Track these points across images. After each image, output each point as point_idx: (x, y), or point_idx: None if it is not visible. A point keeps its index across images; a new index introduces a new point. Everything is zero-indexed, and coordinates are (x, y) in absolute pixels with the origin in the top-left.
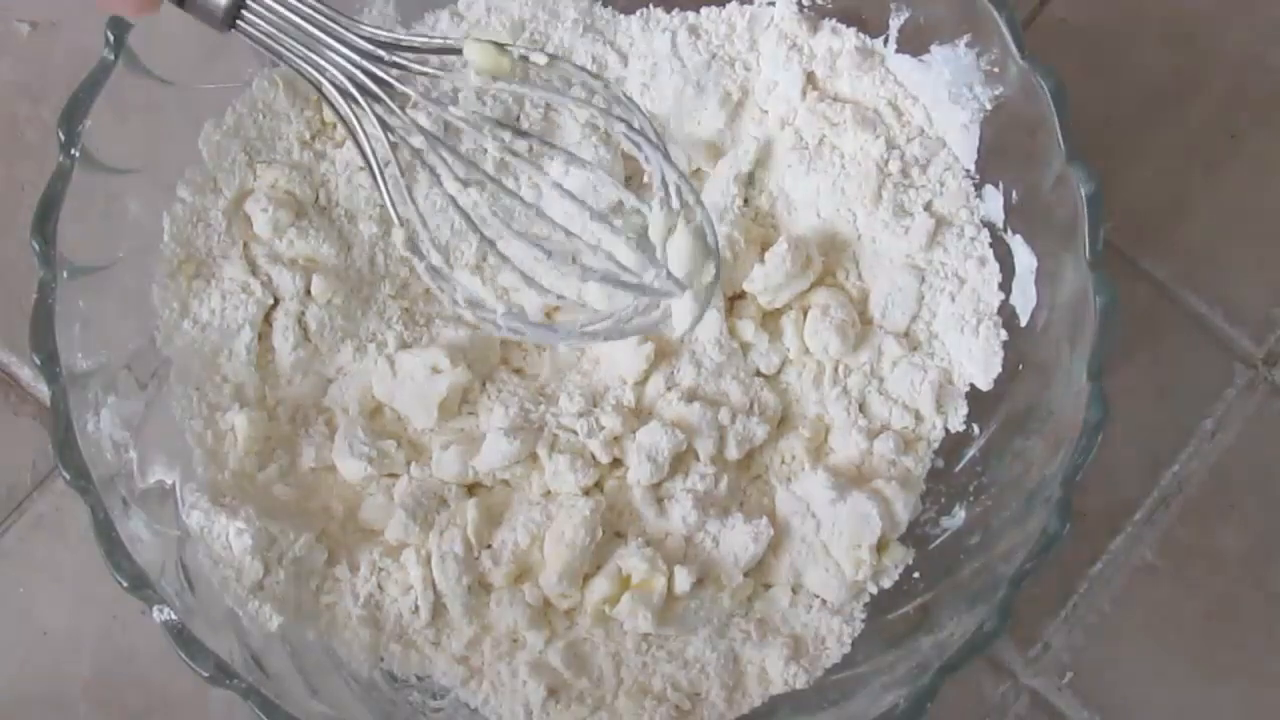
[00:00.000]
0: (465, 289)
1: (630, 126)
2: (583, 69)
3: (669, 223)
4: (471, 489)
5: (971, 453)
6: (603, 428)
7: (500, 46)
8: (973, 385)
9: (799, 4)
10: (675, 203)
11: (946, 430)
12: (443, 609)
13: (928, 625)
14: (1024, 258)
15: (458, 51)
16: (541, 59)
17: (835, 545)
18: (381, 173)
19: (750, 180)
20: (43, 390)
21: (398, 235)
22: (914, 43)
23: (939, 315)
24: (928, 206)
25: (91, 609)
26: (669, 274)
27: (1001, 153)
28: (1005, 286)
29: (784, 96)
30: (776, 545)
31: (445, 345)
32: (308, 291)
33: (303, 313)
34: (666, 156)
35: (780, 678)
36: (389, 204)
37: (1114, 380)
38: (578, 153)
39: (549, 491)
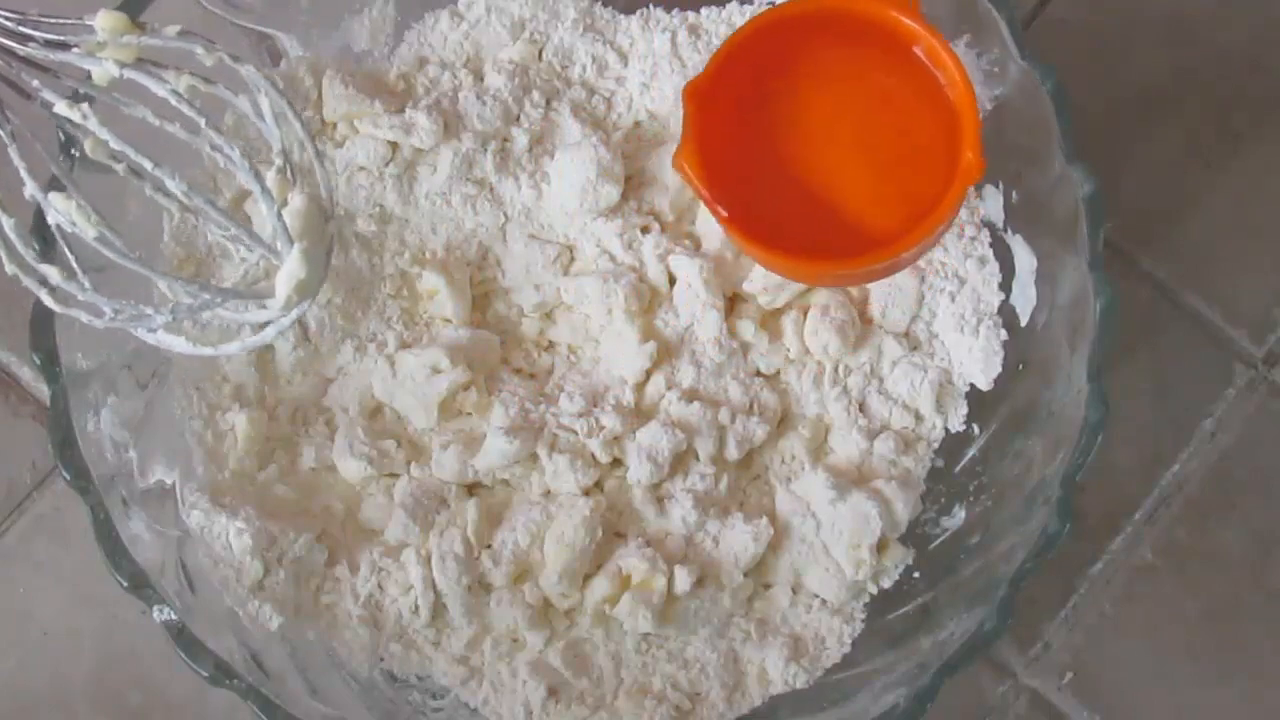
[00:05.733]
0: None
1: (259, 95)
2: (199, 37)
3: (282, 192)
4: (471, 489)
5: (971, 453)
6: (603, 428)
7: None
8: (973, 385)
9: None
10: (289, 170)
11: (946, 430)
12: (443, 609)
13: (928, 625)
14: (1024, 258)
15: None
16: (172, 30)
17: (835, 545)
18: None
19: None
20: (43, 390)
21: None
22: None
23: (939, 315)
24: None
25: (91, 609)
26: (276, 231)
27: (1001, 153)
28: (1005, 286)
29: None
30: (776, 545)
31: (445, 345)
32: None
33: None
34: (287, 119)
35: (780, 678)
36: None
37: (1114, 380)
38: (576, 152)
39: (549, 491)
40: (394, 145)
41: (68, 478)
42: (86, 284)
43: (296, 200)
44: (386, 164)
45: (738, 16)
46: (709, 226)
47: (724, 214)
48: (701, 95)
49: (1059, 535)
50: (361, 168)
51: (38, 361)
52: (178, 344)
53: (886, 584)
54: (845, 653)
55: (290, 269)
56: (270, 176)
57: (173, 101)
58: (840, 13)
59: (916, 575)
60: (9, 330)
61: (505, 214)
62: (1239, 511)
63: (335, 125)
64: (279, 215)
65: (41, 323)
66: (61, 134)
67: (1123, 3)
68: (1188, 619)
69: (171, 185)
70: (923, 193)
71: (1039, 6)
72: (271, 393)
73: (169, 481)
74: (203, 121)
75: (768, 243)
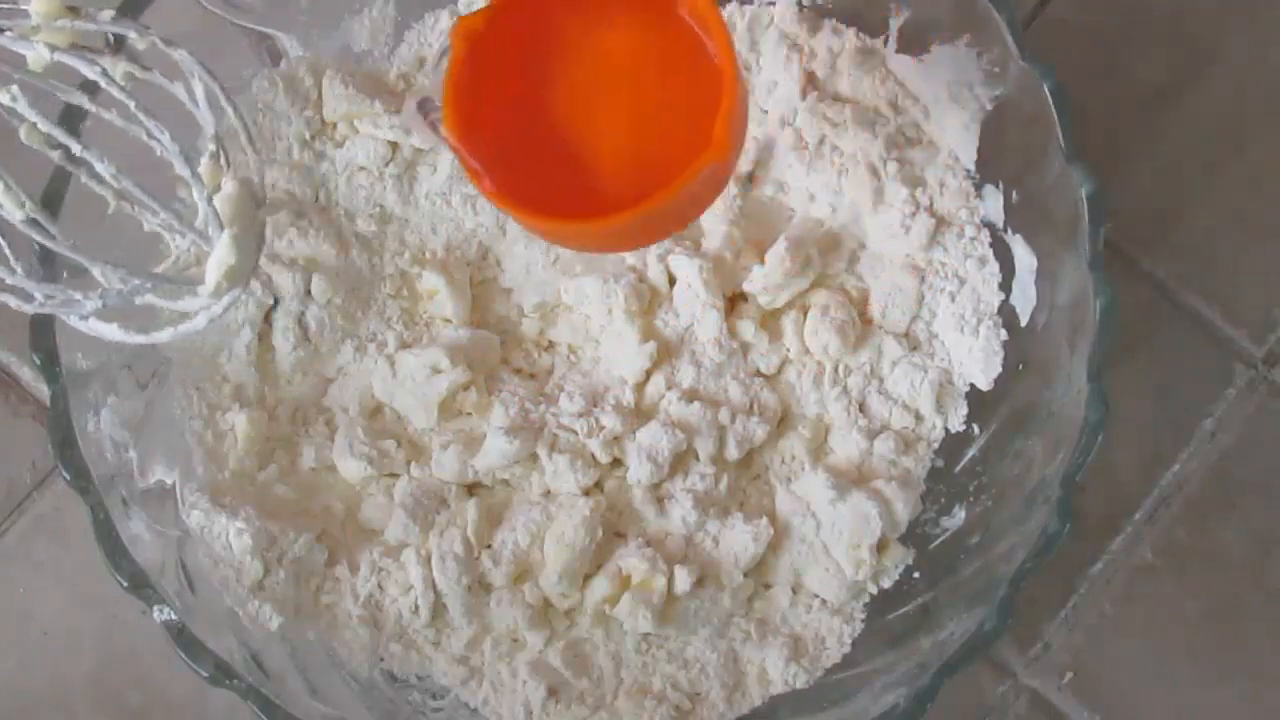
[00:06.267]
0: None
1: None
2: (132, 22)
3: (216, 178)
4: (471, 489)
5: (971, 453)
6: (603, 428)
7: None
8: (973, 385)
9: (799, 4)
10: (223, 157)
11: (946, 430)
12: (443, 609)
13: (928, 625)
14: (1024, 258)
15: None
16: (107, 15)
17: (835, 545)
18: None
19: (750, 180)
20: (43, 390)
21: None
22: (914, 43)
23: (939, 315)
24: (928, 206)
25: (91, 609)
26: (207, 217)
27: (1001, 153)
28: (1005, 286)
29: (784, 96)
30: (776, 545)
31: (445, 345)
32: (308, 291)
33: (303, 313)
34: (222, 106)
35: (780, 678)
36: None
37: (1114, 380)
38: None
39: (549, 491)
40: (394, 145)
41: (68, 478)
42: (18, 269)
43: (228, 186)
44: (386, 164)
45: (737, 17)
46: (710, 225)
47: (476, 167)
48: (474, 37)
49: (1059, 535)
50: (361, 168)
51: (38, 361)
52: (109, 331)
53: (886, 584)
54: (845, 653)
55: (220, 255)
56: (204, 162)
57: (102, 84)
58: None
59: (916, 575)
60: (9, 330)
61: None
62: (1239, 511)
63: (335, 125)
64: (209, 201)
65: (41, 323)
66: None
67: (1123, 3)
68: (1188, 619)
69: (100, 168)
70: (682, 167)
71: (1039, 6)
72: (271, 393)
73: (169, 481)
74: (132, 104)
75: (521, 202)
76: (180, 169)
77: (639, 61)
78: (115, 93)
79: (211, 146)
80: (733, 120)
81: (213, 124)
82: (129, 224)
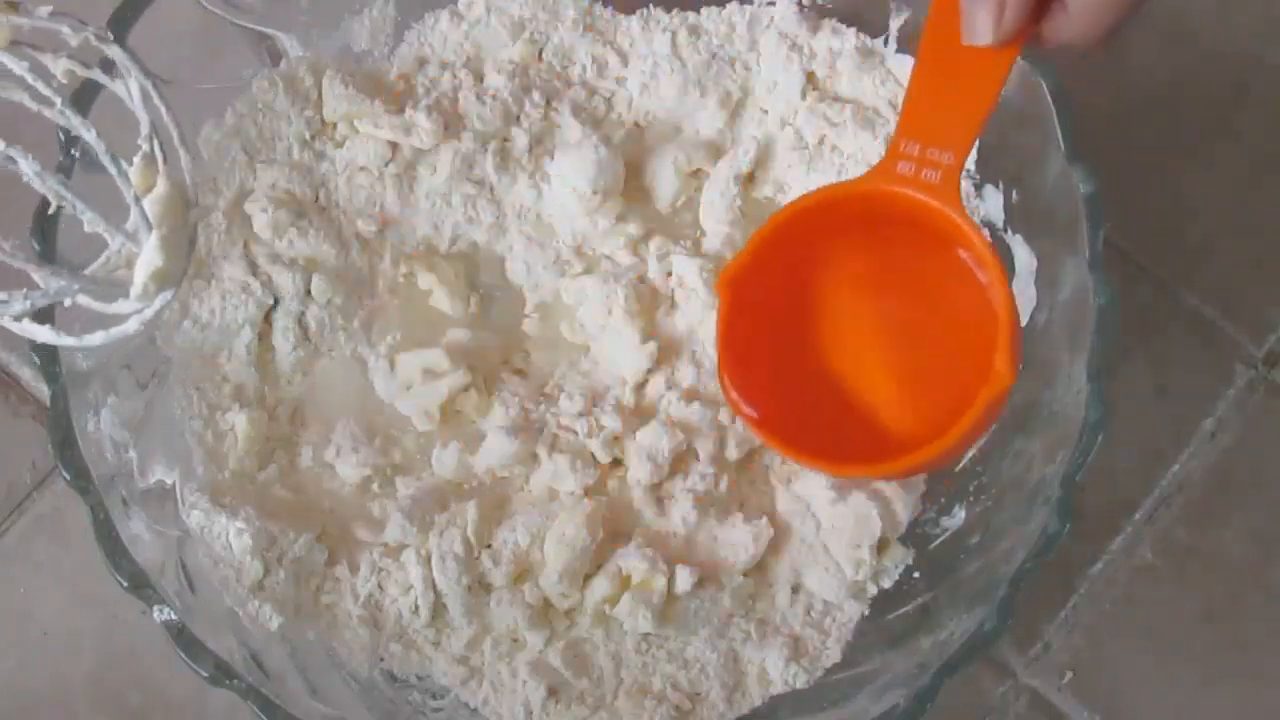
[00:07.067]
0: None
1: (132, 81)
2: (68, 17)
3: (149, 178)
4: (471, 489)
5: (972, 452)
6: (603, 428)
7: None
8: None
9: (799, 4)
10: (160, 156)
11: None
12: (443, 609)
13: (928, 625)
14: (1024, 258)
15: None
16: (44, 10)
17: (835, 545)
18: None
19: (750, 180)
20: (43, 390)
21: None
22: (914, 43)
23: None
24: None
25: (91, 609)
26: (137, 218)
27: (1001, 153)
28: None
29: (784, 96)
30: (776, 545)
31: (445, 345)
32: (308, 291)
33: (303, 313)
34: (156, 105)
35: (780, 678)
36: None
37: (1114, 380)
38: (576, 152)
39: (549, 491)
40: (394, 145)
41: (68, 478)
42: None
43: (160, 186)
44: (386, 164)
45: (738, 16)
46: (709, 225)
47: (752, 414)
48: (735, 284)
49: (1059, 535)
50: (361, 168)
51: (38, 361)
52: (41, 333)
53: (886, 584)
54: (845, 653)
55: (147, 257)
56: (136, 161)
57: (29, 79)
58: (881, 199)
59: (916, 575)
60: (9, 330)
61: (505, 214)
62: (1239, 511)
63: (335, 125)
64: (138, 201)
65: (42, 323)
66: (62, 134)
67: None
68: (1188, 619)
69: (24, 165)
70: (955, 399)
71: None
72: (271, 393)
73: (169, 481)
74: (59, 101)
75: (793, 441)
76: (108, 166)
77: (900, 298)
78: (41, 88)
79: (144, 146)
80: (1013, 351)
81: (147, 122)
82: None
